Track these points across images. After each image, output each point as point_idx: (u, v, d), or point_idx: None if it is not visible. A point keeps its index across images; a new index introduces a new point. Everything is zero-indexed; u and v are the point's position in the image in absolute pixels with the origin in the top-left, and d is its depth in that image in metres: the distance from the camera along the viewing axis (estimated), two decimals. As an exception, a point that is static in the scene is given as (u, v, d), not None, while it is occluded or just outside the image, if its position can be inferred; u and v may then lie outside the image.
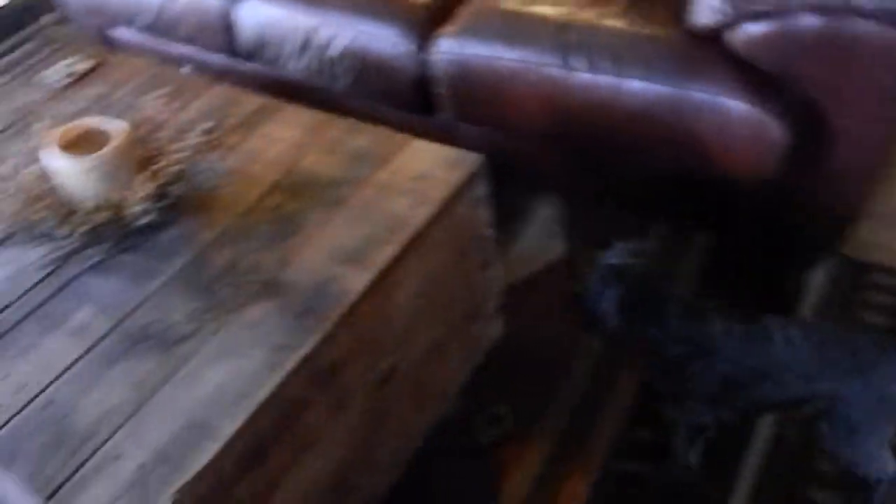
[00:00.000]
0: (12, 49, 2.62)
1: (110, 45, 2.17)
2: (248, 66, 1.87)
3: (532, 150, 1.59)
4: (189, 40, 1.92)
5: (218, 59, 1.93)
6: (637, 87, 1.38)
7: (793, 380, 1.13)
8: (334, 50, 1.68)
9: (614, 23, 1.47)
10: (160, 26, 1.95)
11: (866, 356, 1.10)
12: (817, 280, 1.52)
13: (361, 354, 1.09)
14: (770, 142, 1.30)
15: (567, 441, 1.35)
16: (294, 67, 1.77)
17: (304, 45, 1.72)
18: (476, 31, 1.54)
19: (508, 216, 1.66)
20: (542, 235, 1.67)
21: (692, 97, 1.35)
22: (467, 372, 1.39)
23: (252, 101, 1.42)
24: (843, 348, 1.11)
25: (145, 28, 1.99)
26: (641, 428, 1.35)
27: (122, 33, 2.13)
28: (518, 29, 1.51)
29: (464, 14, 1.59)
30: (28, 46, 2.63)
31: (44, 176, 1.19)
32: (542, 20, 1.51)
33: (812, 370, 1.11)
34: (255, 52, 1.81)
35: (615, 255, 1.21)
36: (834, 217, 1.42)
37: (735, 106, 1.30)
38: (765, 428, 1.32)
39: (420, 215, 1.14)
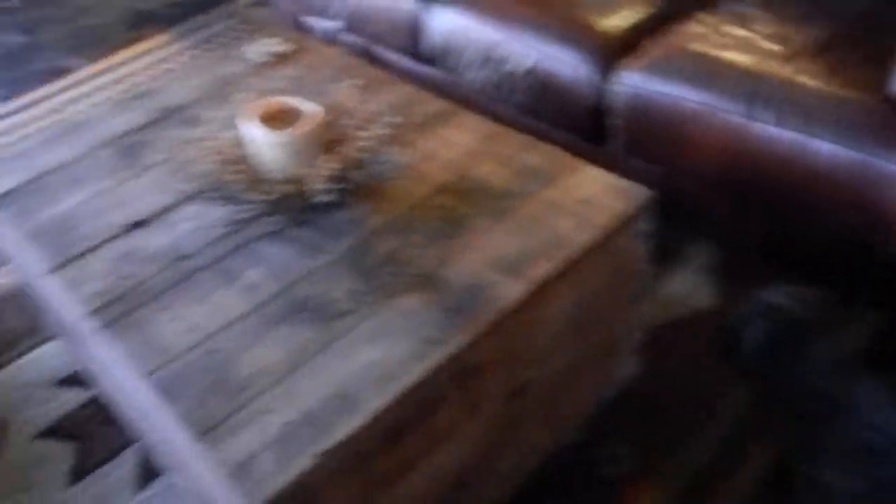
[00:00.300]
0: (210, 24, 2.84)
1: (301, 30, 2.31)
2: (427, 70, 1.95)
3: (700, 194, 1.57)
4: (375, 37, 2.02)
5: (398, 58, 2.01)
6: (825, 148, 1.34)
7: None
8: (514, 67, 1.72)
9: (808, 80, 1.43)
10: (351, 20, 2.06)
11: None
12: None
13: (502, 363, 1.11)
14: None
15: (686, 497, 1.31)
16: (472, 78, 1.82)
17: (486, 58, 1.77)
18: (662, 68, 1.53)
19: (663, 255, 1.64)
20: (695, 280, 1.64)
21: (885, 168, 1.30)
22: (596, 403, 1.39)
23: (434, 103, 1.47)
24: None
25: (336, 19, 2.11)
26: (770, 495, 1.29)
27: (313, 21, 2.27)
28: (705, 72, 1.50)
29: (650, 49, 1.60)
30: (228, 23, 2.85)
31: (238, 142, 1.29)
32: (732, 66, 1.50)
33: None
34: (437, 57, 1.88)
35: (775, 293, 1.17)
36: None
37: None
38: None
39: (582, 238, 1.16)
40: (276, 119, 1.26)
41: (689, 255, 1.69)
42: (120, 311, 1.13)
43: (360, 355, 1.03)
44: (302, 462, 0.91)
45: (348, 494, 0.98)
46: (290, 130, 1.22)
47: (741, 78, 1.46)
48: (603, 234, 1.16)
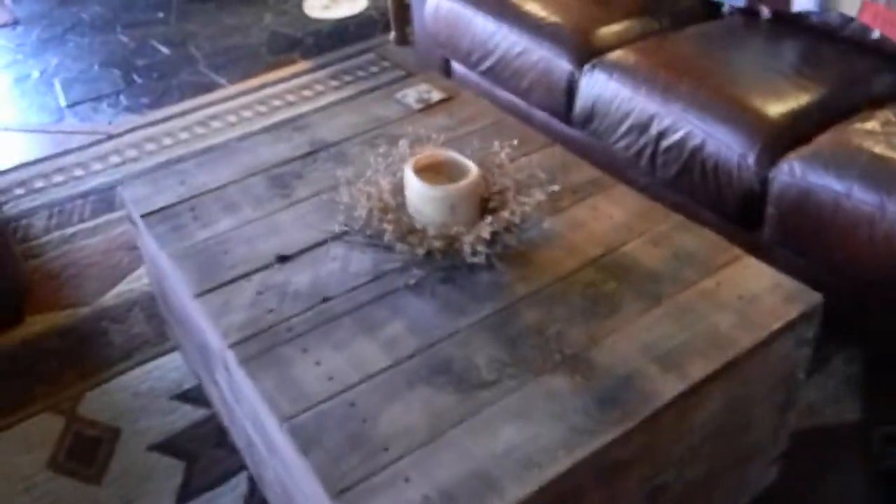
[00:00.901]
0: (352, 56, 2.90)
1: (447, 73, 2.32)
2: (572, 132, 1.91)
3: (852, 296, 1.47)
4: (525, 93, 2.00)
5: (544, 116, 1.99)
6: None
7: None
8: (668, 140, 1.67)
9: None
10: (500, 73, 2.05)
11: None
12: None
13: (645, 461, 1.05)
14: None
15: None
16: (620, 146, 1.78)
17: (639, 128, 1.72)
18: (830, 162, 1.45)
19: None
20: (840, 387, 1.53)
21: None
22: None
23: (586, 170, 1.43)
24: None
25: (484, 71, 2.10)
26: None
27: (459, 68, 2.27)
28: (875, 172, 1.41)
29: (819, 142, 1.51)
30: (369, 57, 2.90)
31: (394, 189, 1.28)
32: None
33: None
34: (586, 120, 1.84)
35: None
36: None
37: None
38: None
39: (745, 339, 1.08)
40: (434, 171, 1.25)
41: (834, 362, 1.59)
42: (259, 347, 1.13)
43: (503, 434, 0.98)
44: (437, 542, 0.87)
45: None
46: (450, 187, 1.20)
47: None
48: (766, 337, 1.09)
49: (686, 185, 1.66)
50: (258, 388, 1.07)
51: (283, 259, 1.28)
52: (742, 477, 1.27)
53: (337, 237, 1.31)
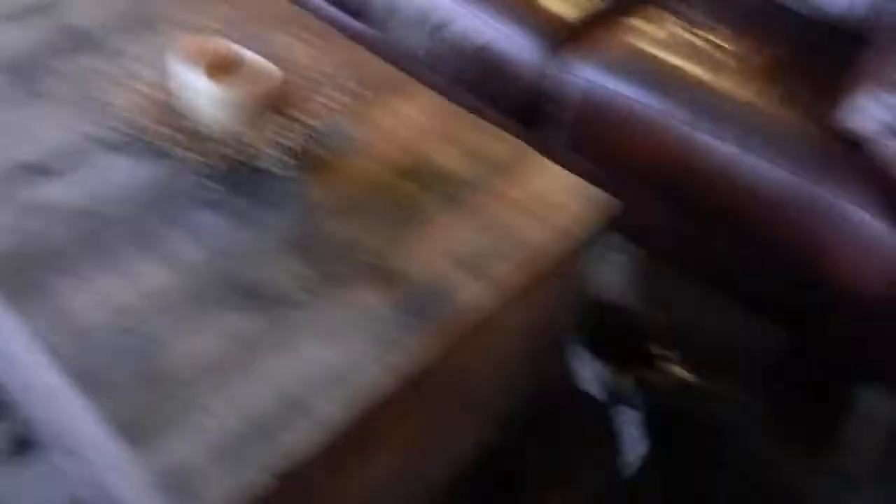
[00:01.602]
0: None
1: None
2: (364, 28, 1.81)
3: (636, 199, 1.55)
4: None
5: (335, 12, 1.87)
6: (762, 166, 1.36)
7: None
8: (455, 36, 1.63)
9: (752, 97, 1.44)
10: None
11: None
12: (867, 400, 1.51)
13: (453, 369, 1.05)
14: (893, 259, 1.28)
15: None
16: (412, 42, 1.71)
17: (427, 24, 1.66)
18: (614, 66, 1.50)
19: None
20: (618, 281, 1.63)
21: (821, 196, 1.33)
22: (525, 405, 1.36)
23: (383, 68, 1.36)
24: None
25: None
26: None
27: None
28: (654, 75, 1.48)
29: (603, 42, 1.55)
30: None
31: (167, 88, 1.12)
32: (680, 73, 1.48)
33: None
34: (379, 18, 1.75)
35: None
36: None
37: (867, 220, 1.28)
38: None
39: (550, 245, 1.10)
40: (221, 69, 1.11)
41: (617, 261, 1.70)
42: (23, 277, 0.96)
43: (310, 353, 0.92)
44: (249, 478, 0.80)
45: (287, 505, 0.88)
46: (242, 86, 1.07)
47: (686, 85, 1.46)
48: (572, 243, 1.11)
49: (476, 84, 1.65)
50: (26, 324, 0.92)
51: (40, 171, 1.09)
52: (537, 375, 1.33)
53: (105, 144, 1.14)
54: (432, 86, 1.36)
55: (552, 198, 1.17)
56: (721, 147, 1.40)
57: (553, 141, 1.59)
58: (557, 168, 1.23)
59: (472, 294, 1.02)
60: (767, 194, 1.38)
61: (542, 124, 1.61)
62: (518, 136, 1.28)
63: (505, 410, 1.32)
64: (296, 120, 1.12)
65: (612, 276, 1.65)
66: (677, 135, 1.45)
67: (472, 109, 1.31)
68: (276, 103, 1.14)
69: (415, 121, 1.26)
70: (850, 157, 1.34)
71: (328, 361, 0.92)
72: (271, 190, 1.11)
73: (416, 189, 1.15)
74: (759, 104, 1.44)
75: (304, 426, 0.86)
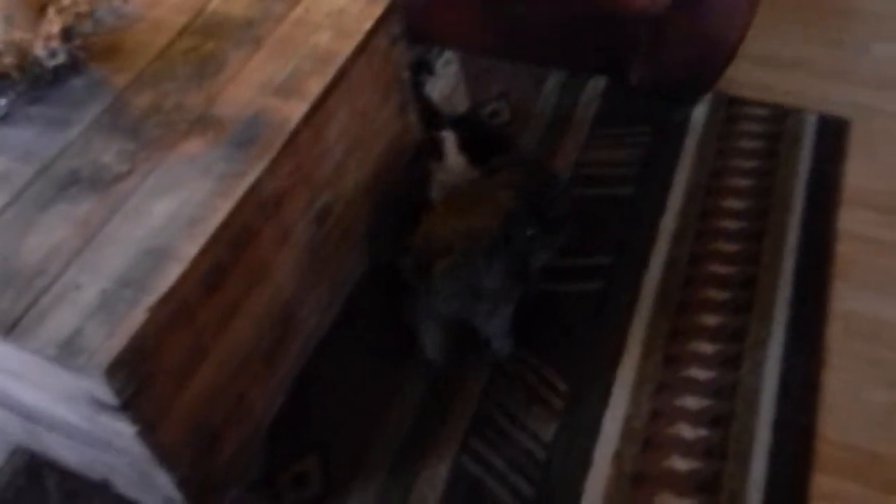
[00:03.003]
0: None
1: None
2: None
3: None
4: None
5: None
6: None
7: None
8: None
9: None
10: None
11: None
12: (699, 115, 1.66)
13: (301, 188, 1.11)
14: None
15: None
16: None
17: None
18: None
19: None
20: (449, 89, 1.71)
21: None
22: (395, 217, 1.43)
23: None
24: None
25: None
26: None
27: None
28: None
29: None
30: None
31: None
32: None
33: None
34: None
35: None
36: (718, 52, 1.55)
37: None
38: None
39: (344, 47, 1.15)
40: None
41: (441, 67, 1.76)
42: None
43: (156, 210, 0.97)
44: (130, 323, 0.86)
45: (181, 348, 0.95)
46: (-9, -8, 1.05)
47: None
48: (362, 40, 1.16)
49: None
50: None
51: None
52: (389, 183, 1.40)
53: None
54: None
55: (335, 6, 1.21)
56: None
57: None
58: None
59: (287, 111, 1.07)
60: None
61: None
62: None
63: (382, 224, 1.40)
64: (66, 10, 1.10)
65: (448, 84, 1.72)
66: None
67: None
68: (43, 2, 1.12)
69: (186, -19, 1.26)
70: None
71: (175, 212, 0.96)
72: (68, 88, 1.11)
73: (208, 41, 1.17)
74: None
75: (173, 268, 0.91)
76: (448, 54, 1.79)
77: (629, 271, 1.42)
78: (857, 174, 1.54)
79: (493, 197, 1.21)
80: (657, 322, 1.35)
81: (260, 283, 1.07)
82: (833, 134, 1.61)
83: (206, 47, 1.17)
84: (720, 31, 1.50)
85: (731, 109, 1.67)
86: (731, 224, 1.48)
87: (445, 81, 1.74)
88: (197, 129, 1.06)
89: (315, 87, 1.10)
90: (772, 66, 1.76)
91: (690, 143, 1.61)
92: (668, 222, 1.49)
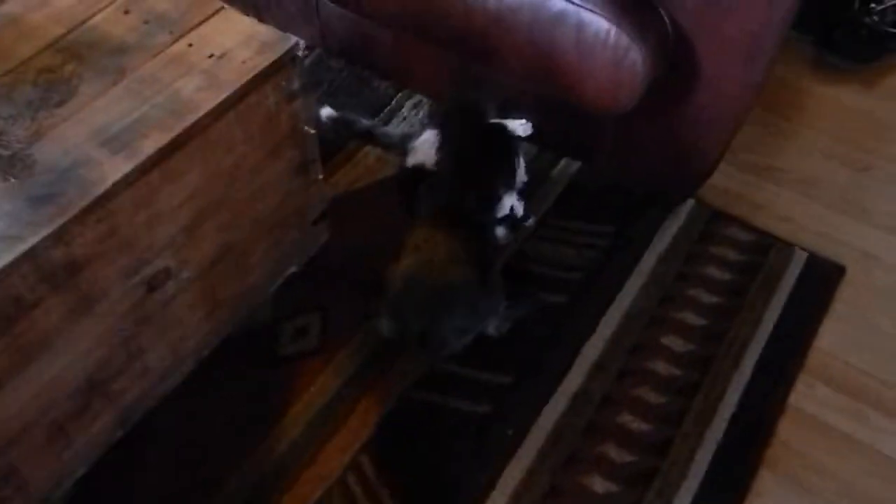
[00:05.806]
0: None
1: None
2: None
3: (393, 43, 1.43)
4: None
5: None
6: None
7: None
8: None
9: None
10: None
11: None
12: (673, 225, 1.43)
13: (118, 254, 0.96)
14: (630, 68, 1.17)
15: (371, 364, 1.26)
16: None
17: None
18: None
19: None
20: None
21: (553, 6, 1.19)
22: (278, 281, 1.28)
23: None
24: None
25: None
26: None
27: None
28: None
29: None
30: None
31: None
32: None
33: None
34: None
35: None
36: (693, 163, 1.33)
37: (594, 21, 1.16)
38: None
39: (208, 101, 0.99)
40: None
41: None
42: None
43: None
44: None
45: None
46: None
47: None
48: (231, 95, 1.00)
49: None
50: None
51: None
52: (282, 246, 1.24)
53: None
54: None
55: (221, 48, 1.04)
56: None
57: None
58: (241, 18, 1.10)
59: (106, 170, 0.91)
60: (504, 12, 1.24)
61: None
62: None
63: (250, 294, 1.25)
64: None
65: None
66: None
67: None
68: None
69: (77, -14, 1.12)
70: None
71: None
72: None
73: (69, 63, 1.03)
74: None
75: None
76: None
77: (527, 398, 1.23)
78: (832, 338, 1.29)
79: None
80: (537, 472, 1.15)
81: (44, 352, 0.93)
82: (820, 280, 1.37)
83: (64, 70, 1.02)
84: (695, 143, 1.27)
85: (709, 226, 1.44)
86: (663, 368, 1.26)
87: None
88: (7, 169, 0.92)
89: (150, 145, 0.94)
90: (774, 181, 1.51)
91: (650, 259, 1.39)
92: (593, 350, 1.28)
